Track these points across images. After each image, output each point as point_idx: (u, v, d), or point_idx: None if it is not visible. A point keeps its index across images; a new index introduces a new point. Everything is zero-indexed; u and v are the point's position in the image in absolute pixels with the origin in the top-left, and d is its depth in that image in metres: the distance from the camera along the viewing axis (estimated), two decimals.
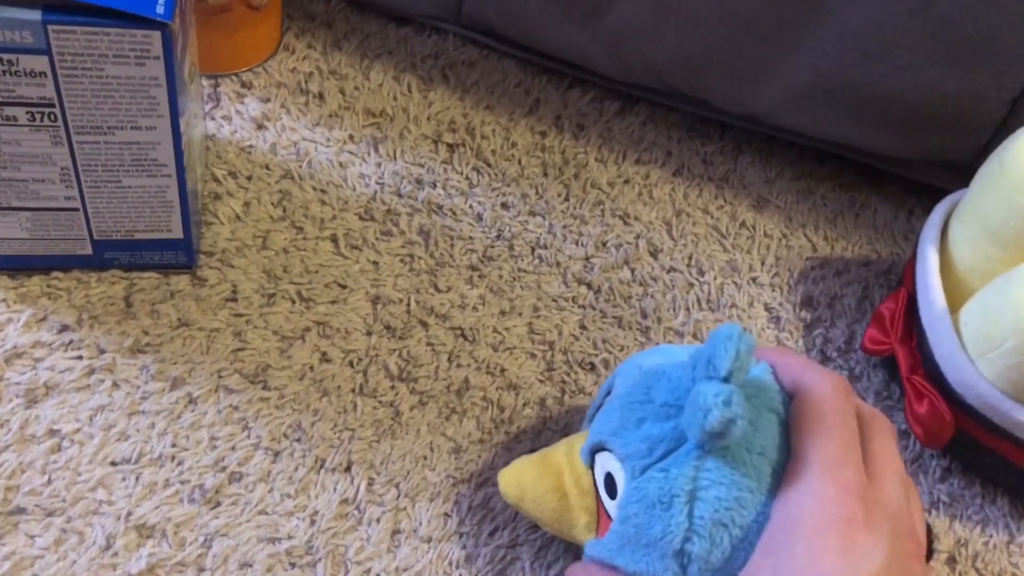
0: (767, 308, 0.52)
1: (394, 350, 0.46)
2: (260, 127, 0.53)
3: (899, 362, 0.47)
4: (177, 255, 0.45)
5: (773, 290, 0.53)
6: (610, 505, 0.36)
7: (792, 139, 0.57)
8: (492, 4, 0.57)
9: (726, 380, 0.31)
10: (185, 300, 0.45)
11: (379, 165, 0.53)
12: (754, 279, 0.53)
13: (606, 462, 0.36)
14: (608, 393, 0.39)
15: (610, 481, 0.36)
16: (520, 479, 0.38)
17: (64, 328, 0.43)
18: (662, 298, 0.51)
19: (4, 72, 0.36)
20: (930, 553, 0.36)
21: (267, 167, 0.51)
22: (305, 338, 0.46)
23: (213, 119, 0.52)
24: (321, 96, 0.55)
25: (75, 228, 0.43)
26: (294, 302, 0.47)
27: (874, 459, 0.32)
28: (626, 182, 0.56)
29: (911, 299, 0.48)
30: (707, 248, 0.54)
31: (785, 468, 0.33)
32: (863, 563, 0.29)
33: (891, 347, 0.48)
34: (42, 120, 0.38)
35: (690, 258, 0.53)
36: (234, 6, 0.52)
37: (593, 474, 0.37)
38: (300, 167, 0.52)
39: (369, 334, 0.46)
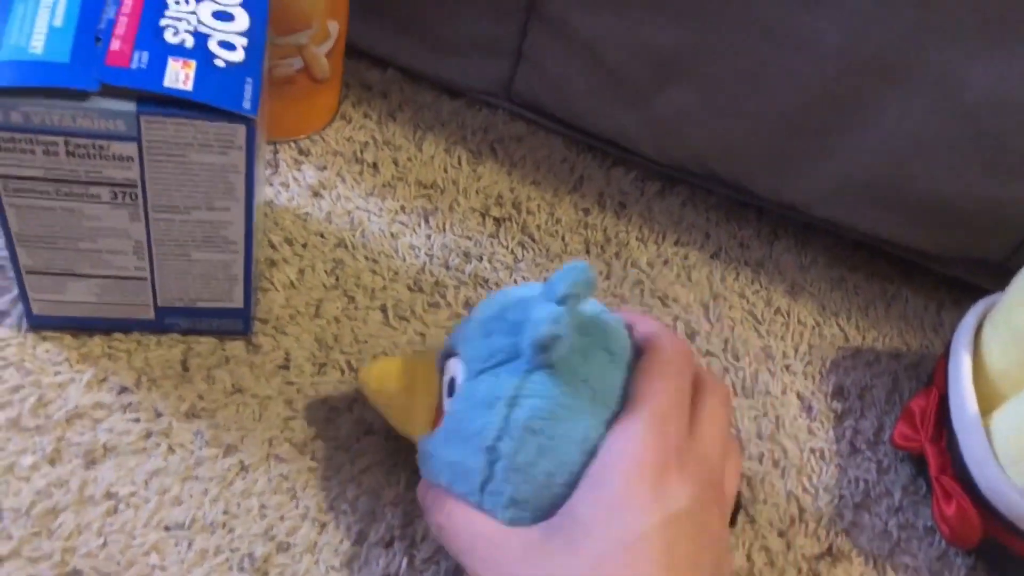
0: (799, 397, 0.53)
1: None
2: (316, 195, 0.55)
3: (928, 461, 0.48)
4: (234, 322, 0.47)
5: (806, 378, 0.54)
6: (448, 404, 0.39)
7: (827, 228, 0.59)
8: (542, 83, 0.59)
9: (561, 303, 0.35)
10: (240, 366, 0.47)
11: (429, 237, 0.55)
12: (787, 367, 0.54)
13: (452, 366, 0.39)
14: None
15: (452, 384, 0.39)
16: (380, 376, 0.42)
17: (123, 390, 0.45)
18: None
19: (95, 156, 0.37)
20: (734, 518, 0.40)
21: (322, 235, 0.53)
22: (352, 409, 0.47)
23: (271, 185, 0.54)
24: (375, 166, 0.57)
25: (141, 295, 0.44)
26: (343, 372, 0.48)
27: (700, 420, 0.36)
28: (665, 263, 0.57)
29: (942, 399, 0.49)
30: (743, 333, 0.55)
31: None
32: (670, 502, 0.33)
33: (921, 445, 0.49)
34: (124, 199, 0.39)
35: (726, 342, 0.54)
36: (297, 78, 0.54)
37: (441, 378, 0.40)
38: (353, 236, 0.53)
39: None
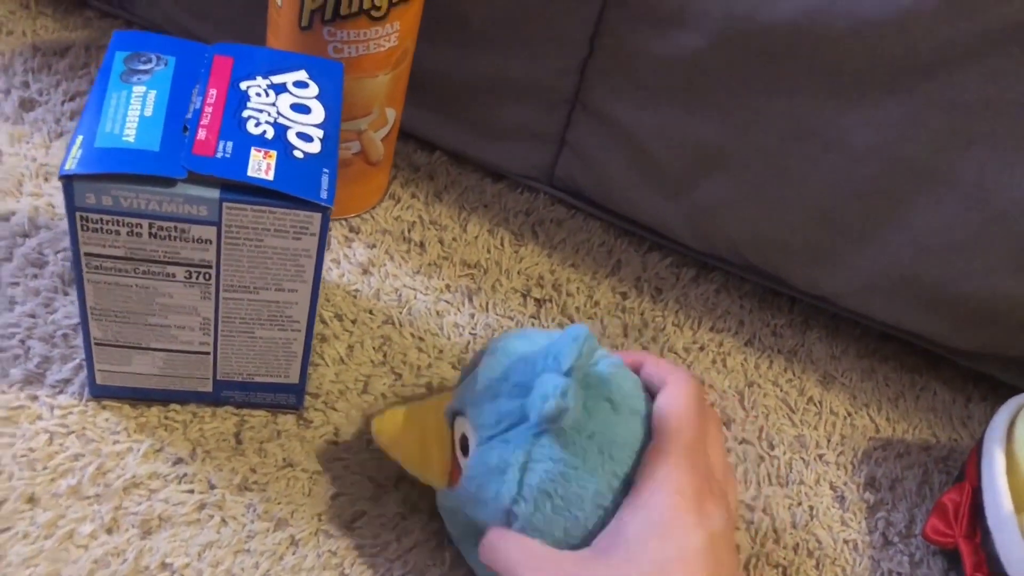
0: (832, 487, 0.54)
1: None
2: (365, 272, 0.56)
3: (963, 559, 0.49)
4: (288, 397, 0.48)
5: (838, 468, 0.55)
6: (463, 461, 0.41)
7: (858, 319, 0.60)
8: (583, 169, 0.61)
9: (567, 374, 0.37)
10: (291, 440, 0.48)
11: (472, 316, 0.56)
12: (820, 456, 0.55)
13: (463, 425, 0.42)
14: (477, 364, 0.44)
15: (464, 441, 0.42)
16: (391, 428, 0.44)
17: (179, 460, 0.46)
18: (734, 465, 0.53)
19: (176, 238, 0.39)
20: None
21: (371, 311, 0.55)
22: (399, 487, 0.48)
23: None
24: (422, 245, 0.59)
25: (202, 369, 0.46)
26: None
27: (709, 444, 0.41)
28: (701, 348, 0.59)
29: (975, 494, 0.50)
30: (777, 421, 0.56)
31: (632, 448, 0.40)
32: (711, 522, 0.38)
33: (954, 540, 0.50)
34: (197, 278, 0.41)
35: (761, 430, 0.55)
36: (354, 160, 0.56)
37: (452, 432, 0.43)
38: (400, 313, 0.55)
39: None
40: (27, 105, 0.60)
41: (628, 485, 0.39)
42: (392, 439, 0.44)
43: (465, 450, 0.42)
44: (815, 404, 0.58)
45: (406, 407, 0.45)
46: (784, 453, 0.55)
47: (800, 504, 0.52)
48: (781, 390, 0.58)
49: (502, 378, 0.41)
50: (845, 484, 0.54)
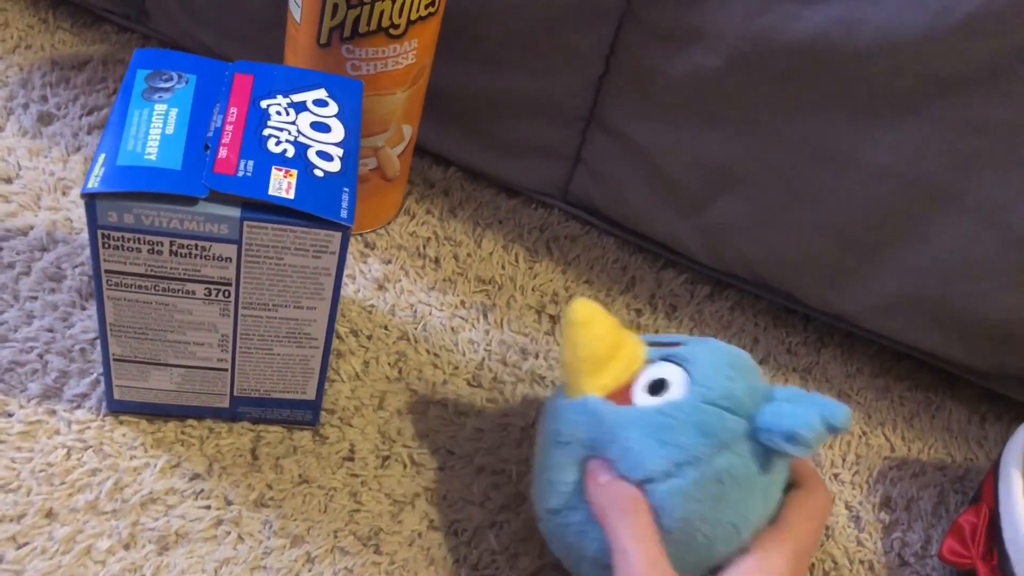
0: (847, 506, 0.54)
1: (496, 523, 0.48)
2: (381, 287, 0.56)
3: None
4: (304, 413, 0.48)
5: (854, 488, 0.55)
6: (641, 396, 0.41)
7: (873, 339, 0.60)
8: (598, 186, 0.61)
9: (828, 429, 0.38)
10: (307, 456, 0.48)
11: (487, 332, 0.56)
12: (836, 475, 0.55)
13: (670, 372, 0.42)
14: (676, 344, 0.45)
15: (656, 384, 0.42)
16: (594, 314, 0.43)
17: (195, 476, 0.46)
18: None
19: (196, 255, 0.39)
20: None
21: (386, 327, 0.55)
22: (415, 503, 0.48)
23: None
24: (437, 261, 0.59)
25: (219, 385, 0.46)
26: (405, 466, 0.49)
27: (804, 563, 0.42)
28: None
29: (992, 516, 0.50)
30: None
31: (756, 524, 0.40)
32: None
33: (972, 562, 0.49)
34: (217, 296, 0.41)
35: None
36: (370, 176, 0.56)
37: (643, 368, 0.43)
38: (416, 329, 0.55)
39: (473, 504, 0.49)
40: (45, 119, 0.61)
41: (749, 536, 0.40)
42: (589, 322, 0.42)
43: (653, 391, 0.41)
44: None
45: (612, 317, 0.44)
46: None
47: None
48: None
49: (741, 372, 0.42)
50: (860, 504, 0.54)
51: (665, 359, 0.43)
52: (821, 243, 0.56)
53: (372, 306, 0.56)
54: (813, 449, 0.38)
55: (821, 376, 0.60)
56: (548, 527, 0.43)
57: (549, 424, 0.43)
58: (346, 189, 0.40)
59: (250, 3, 0.61)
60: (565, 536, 0.42)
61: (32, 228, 0.54)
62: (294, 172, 0.39)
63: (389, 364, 0.53)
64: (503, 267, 0.60)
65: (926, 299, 0.55)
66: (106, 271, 0.40)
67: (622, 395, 0.42)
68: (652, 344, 0.45)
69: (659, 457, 0.39)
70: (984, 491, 0.51)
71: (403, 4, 0.48)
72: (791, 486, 0.42)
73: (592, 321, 0.42)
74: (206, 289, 0.41)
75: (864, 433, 0.58)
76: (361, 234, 0.59)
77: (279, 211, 0.39)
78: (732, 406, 0.40)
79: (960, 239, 0.52)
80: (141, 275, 0.40)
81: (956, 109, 0.49)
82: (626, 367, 0.42)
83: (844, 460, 0.56)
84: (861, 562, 0.51)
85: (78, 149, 0.60)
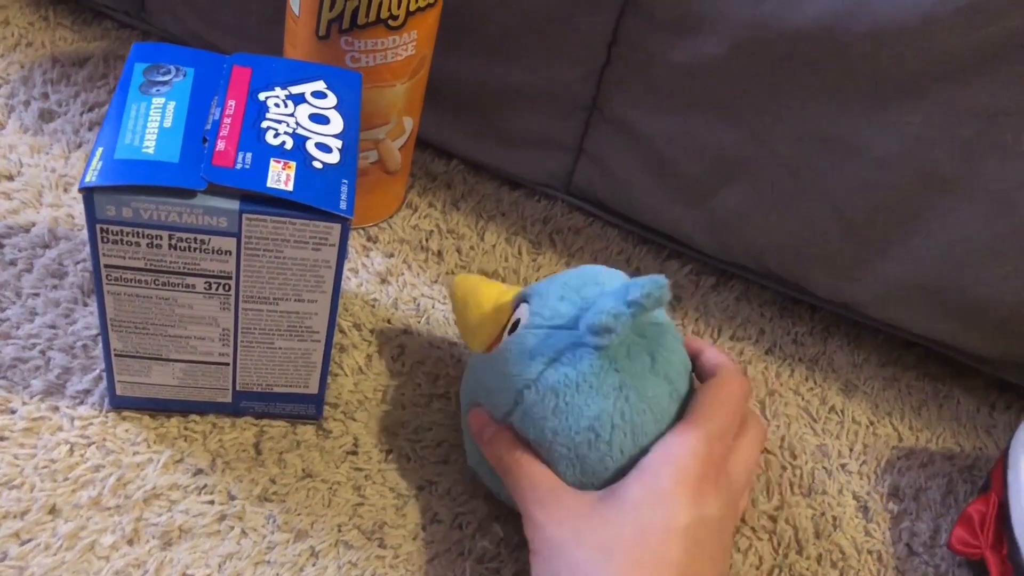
0: (855, 497, 0.53)
1: (499, 515, 0.48)
2: (384, 281, 0.56)
3: (989, 570, 0.48)
4: (307, 407, 0.48)
5: (861, 478, 0.54)
6: (504, 340, 0.44)
7: (880, 327, 0.60)
8: (601, 177, 0.61)
9: (628, 305, 0.39)
10: (310, 451, 0.48)
11: None
12: (843, 466, 0.55)
13: (522, 311, 0.45)
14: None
15: (516, 325, 0.44)
16: (467, 290, 0.47)
17: (199, 471, 0.46)
18: (756, 480, 0.52)
19: (195, 249, 0.39)
20: None
21: (389, 321, 0.54)
22: (419, 497, 0.48)
23: None
24: (440, 254, 0.59)
25: (221, 380, 0.46)
26: (409, 459, 0.49)
27: (737, 450, 0.43)
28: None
29: (1001, 505, 0.49)
30: (799, 430, 0.56)
31: (649, 404, 0.42)
32: (704, 509, 0.39)
33: (981, 552, 0.49)
34: (217, 290, 0.41)
35: (782, 440, 0.55)
36: (371, 170, 0.56)
37: (512, 314, 0.45)
38: (419, 322, 0.55)
39: (476, 497, 0.48)
40: (46, 116, 0.61)
41: (634, 434, 0.41)
42: (463, 296, 0.47)
43: (513, 331, 0.44)
44: (837, 413, 0.57)
45: (487, 279, 0.48)
46: (806, 462, 0.54)
47: (823, 514, 0.52)
48: (803, 399, 0.57)
49: (575, 288, 0.44)
50: (868, 494, 0.54)
51: (521, 299, 0.45)
52: (827, 231, 0.55)
53: (375, 300, 0.55)
54: (619, 331, 0.40)
55: (828, 366, 0.59)
56: (478, 475, 0.47)
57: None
58: (345, 181, 0.40)
59: None
60: (490, 481, 0.46)
61: (34, 225, 0.54)
62: (292, 164, 0.39)
63: (392, 358, 0.53)
64: (506, 260, 0.60)
65: (933, 286, 0.54)
66: (105, 266, 0.40)
67: (496, 344, 0.45)
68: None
69: (504, 391, 0.43)
70: (993, 480, 0.51)
71: None
72: (705, 378, 0.44)
73: (464, 293, 0.47)
74: (206, 283, 0.41)
75: (872, 423, 0.57)
76: (363, 228, 0.58)
77: (278, 203, 0.38)
78: (560, 323, 0.42)
79: (966, 225, 0.52)
80: (141, 269, 0.40)
81: (960, 94, 0.48)
82: (497, 320, 0.46)
83: (851, 450, 0.55)
84: (869, 552, 0.51)
85: (79, 146, 0.59)
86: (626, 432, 0.41)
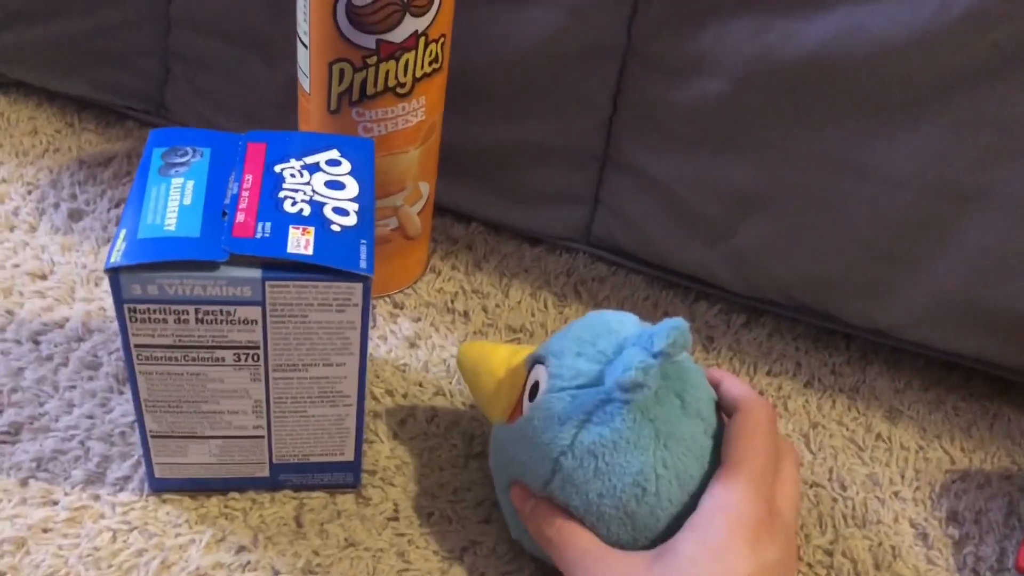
0: (912, 524, 0.52)
1: (546, 572, 0.47)
2: (413, 345, 0.56)
3: None
4: (345, 475, 0.48)
5: (916, 504, 0.53)
6: (527, 406, 0.43)
7: (918, 350, 0.59)
8: (620, 225, 0.61)
9: (655, 355, 0.39)
10: (351, 519, 0.47)
11: None
12: (896, 493, 0.53)
13: (539, 373, 0.44)
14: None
15: (535, 388, 0.43)
16: (473, 355, 0.47)
17: (241, 549, 0.46)
18: (807, 515, 0.51)
19: (222, 321, 0.40)
20: None
21: (420, 384, 0.54)
22: (464, 558, 0.47)
23: (371, 339, 0.56)
24: (466, 314, 0.59)
25: (257, 453, 0.46)
26: (451, 521, 0.48)
27: (782, 480, 0.42)
28: (760, 394, 0.57)
29: None
30: (846, 461, 0.54)
31: (687, 446, 0.41)
32: (764, 555, 0.38)
33: None
34: (246, 360, 0.41)
35: (831, 472, 0.53)
36: (392, 236, 0.56)
37: (527, 377, 0.44)
38: (450, 384, 0.55)
39: (519, 556, 0.47)
40: (75, 216, 0.62)
41: (680, 480, 0.41)
42: (474, 368, 0.47)
43: (533, 396, 0.43)
44: (884, 440, 0.56)
45: (496, 345, 0.47)
46: (857, 493, 0.53)
47: (880, 544, 0.50)
48: (847, 429, 0.56)
49: (589, 341, 0.43)
50: (926, 520, 0.52)
51: (535, 361, 0.44)
52: (852, 257, 0.55)
53: (405, 365, 0.55)
54: (651, 384, 0.39)
55: (869, 394, 0.58)
56: (527, 549, 0.46)
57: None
58: (364, 241, 0.40)
59: (265, 87, 0.63)
60: (539, 553, 0.44)
61: (68, 320, 0.55)
62: (311, 229, 0.40)
63: (426, 420, 0.53)
64: (533, 314, 0.60)
65: (967, 303, 0.53)
66: (135, 346, 0.40)
67: (516, 412, 0.44)
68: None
69: (540, 460, 0.41)
70: None
71: (407, 62, 0.49)
72: (729, 414, 0.43)
73: (473, 363, 0.47)
74: (235, 355, 0.41)
75: (921, 447, 0.56)
76: (389, 295, 0.59)
77: (300, 268, 0.39)
78: (582, 382, 0.41)
79: (992, 236, 0.51)
80: (170, 346, 0.40)
81: (969, 105, 0.48)
82: (513, 385, 0.45)
83: (903, 477, 0.54)
84: None
85: (108, 241, 0.61)
86: (671, 480, 0.41)
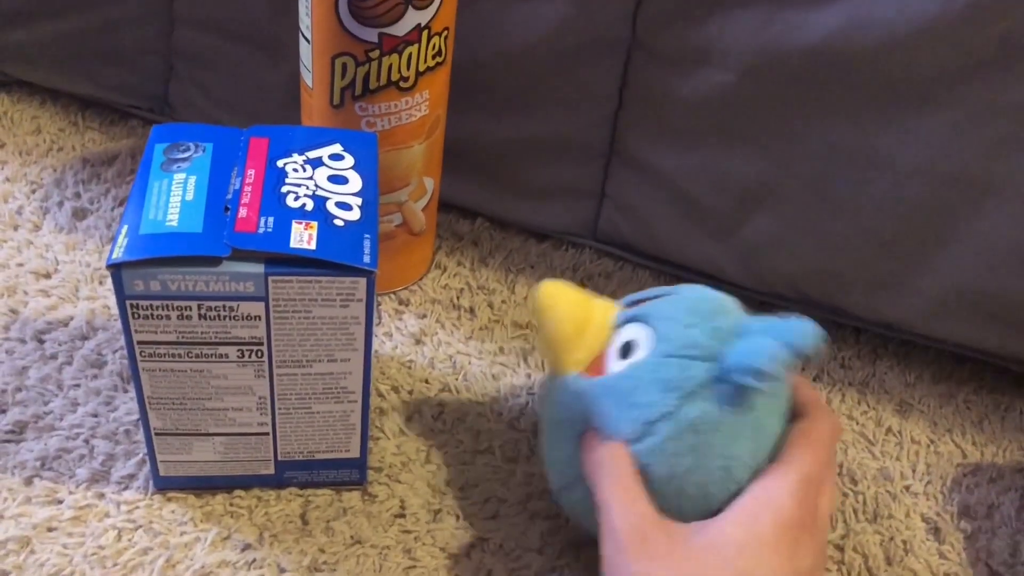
0: (924, 519, 0.51)
1: (556, 567, 0.46)
2: (418, 342, 0.56)
3: None
4: (350, 472, 0.47)
5: (928, 499, 0.52)
6: (614, 363, 0.41)
7: (929, 344, 0.58)
8: (626, 220, 0.61)
9: (795, 353, 0.38)
10: (357, 517, 0.47)
11: (529, 376, 0.55)
12: (907, 487, 0.52)
13: (636, 332, 0.41)
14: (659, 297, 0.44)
15: (627, 347, 0.41)
16: (558, 296, 0.43)
17: (247, 546, 0.45)
18: None
19: (225, 317, 0.39)
20: None
21: (426, 380, 0.54)
22: (471, 555, 0.46)
23: (376, 336, 0.56)
24: (472, 310, 0.58)
25: (262, 450, 0.45)
26: (458, 518, 0.48)
27: (824, 492, 0.41)
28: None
29: None
30: (856, 455, 0.54)
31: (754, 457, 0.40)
32: (801, 560, 0.38)
33: None
34: (250, 356, 0.41)
35: (841, 466, 0.53)
36: (397, 233, 0.56)
37: (613, 334, 0.42)
38: (457, 380, 0.54)
39: (530, 551, 0.47)
40: (79, 214, 0.62)
41: (754, 474, 0.40)
42: (553, 305, 0.43)
43: (624, 354, 0.41)
44: (895, 434, 0.55)
45: (578, 290, 0.44)
46: (868, 487, 0.52)
47: (892, 539, 0.50)
48: (857, 423, 0.56)
49: (703, 316, 0.41)
50: (938, 515, 0.51)
51: (632, 319, 0.43)
52: (860, 250, 0.54)
53: (411, 361, 0.55)
54: (782, 378, 0.38)
55: (879, 388, 0.58)
56: (561, 503, 0.45)
57: (542, 407, 0.45)
58: (367, 236, 0.40)
59: (269, 84, 0.63)
60: (576, 510, 0.43)
61: (72, 318, 0.55)
62: (314, 224, 0.40)
63: (433, 417, 0.52)
64: None
65: (977, 294, 0.53)
66: (138, 342, 0.40)
67: (598, 365, 0.42)
68: (631, 304, 0.45)
69: (631, 420, 0.40)
70: None
71: (410, 56, 0.49)
72: (796, 416, 0.42)
73: (556, 303, 0.43)
74: (239, 351, 0.41)
75: (932, 441, 0.55)
76: (394, 292, 0.59)
77: (303, 263, 0.39)
78: (695, 353, 0.40)
79: (1002, 227, 0.51)
80: (173, 343, 0.40)
81: (979, 95, 0.48)
82: (596, 337, 0.43)
83: (914, 471, 0.53)
84: (946, 575, 0.49)
85: (111, 239, 0.61)
86: (753, 471, 0.40)
